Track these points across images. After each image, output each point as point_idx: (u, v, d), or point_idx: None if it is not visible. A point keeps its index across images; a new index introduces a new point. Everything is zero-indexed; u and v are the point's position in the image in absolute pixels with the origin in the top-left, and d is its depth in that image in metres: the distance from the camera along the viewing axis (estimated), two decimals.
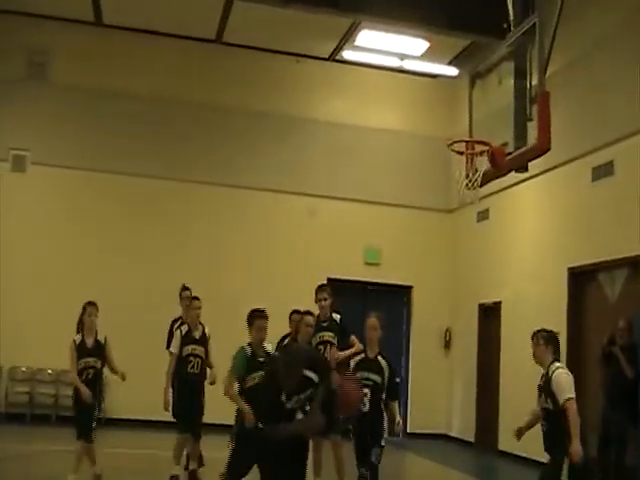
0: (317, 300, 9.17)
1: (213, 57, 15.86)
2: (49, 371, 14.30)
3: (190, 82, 15.66)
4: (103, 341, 8.86)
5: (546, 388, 6.59)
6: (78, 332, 8.79)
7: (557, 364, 6.70)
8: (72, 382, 8.77)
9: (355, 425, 7.39)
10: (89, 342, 8.75)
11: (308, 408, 6.10)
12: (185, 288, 10.23)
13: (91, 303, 8.86)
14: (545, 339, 6.85)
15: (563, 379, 6.53)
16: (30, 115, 14.91)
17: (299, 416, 6.11)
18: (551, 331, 6.97)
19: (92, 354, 8.73)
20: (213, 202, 15.57)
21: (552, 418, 6.51)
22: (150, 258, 15.03)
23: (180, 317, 10.12)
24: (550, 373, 6.62)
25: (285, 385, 6.03)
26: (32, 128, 14.90)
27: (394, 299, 16.63)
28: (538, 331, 6.96)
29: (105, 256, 14.82)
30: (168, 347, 9.79)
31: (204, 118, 15.67)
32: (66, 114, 14.98)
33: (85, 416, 8.59)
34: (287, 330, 9.28)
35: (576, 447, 6.23)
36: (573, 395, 6.43)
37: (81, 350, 8.67)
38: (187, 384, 9.34)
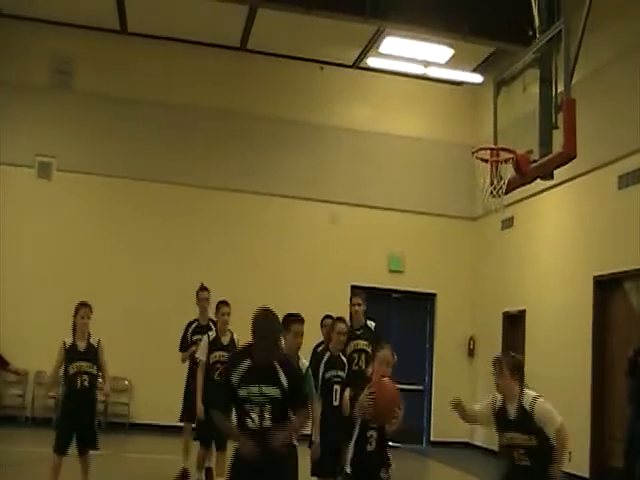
0: (352, 305, 8.94)
1: (237, 64, 15.91)
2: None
3: (213, 89, 15.72)
4: (96, 345, 8.28)
5: (526, 424, 5.79)
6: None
7: (530, 393, 5.89)
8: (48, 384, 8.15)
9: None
10: (81, 345, 8.19)
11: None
12: (203, 288, 10.09)
13: (84, 304, 8.31)
14: (510, 367, 5.96)
15: (548, 408, 5.79)
16: (55, 122, 15.03)
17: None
18: (514, 356, 6.15)
19: (85, 358, 8.14)
20: (235, 208, 15.59)
21: (539, 455, 5.76)
22: (172, 264, 15.07)
23: (196, 320, 9.99)
24: (528, 407, 5.81)
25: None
26: (57, 135, 15.01)
27: (417, 307, 16.60)
28: (500, 358, 6.11)
29: (127, 260, 14.92)
30: (182, 350, 9.70)
31: (227, 125, 15.72)
32: (90, 121, 15.08)
33: (87, 426, 8.10)
34: (314, 338, 9.06)
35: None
36: (562, 418, 5.76)
37: (72, 353, 8.13)
38: (213, 393, 8.80)
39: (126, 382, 14.24)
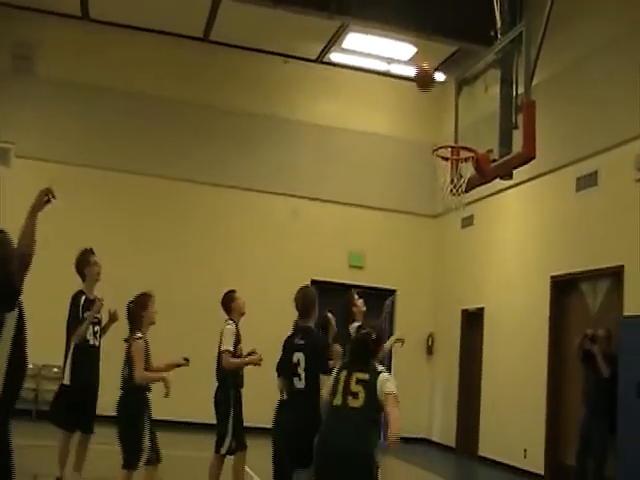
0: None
1: (200, 55, 15.77)
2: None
3: (176, 80, 15.55)
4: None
5: None
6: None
7: None
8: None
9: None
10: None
11: None
12: (91, 251, 9.33)
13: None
14: None
15: None
16: (15, 109, 14.72)
17: None
18: None
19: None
20: (194, 200, 15.46)
21: None
22: (132, 256, 14.90)
23: (82, 291, 8.88)
24: None
25: None
26: (17, 122, 14.71)
27: (377, 302, 16.60)
28: None
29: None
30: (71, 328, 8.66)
31: (189, 116, 15.56)
32: (52, 108, 14.84)
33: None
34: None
35: None
36: None
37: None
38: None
39: None
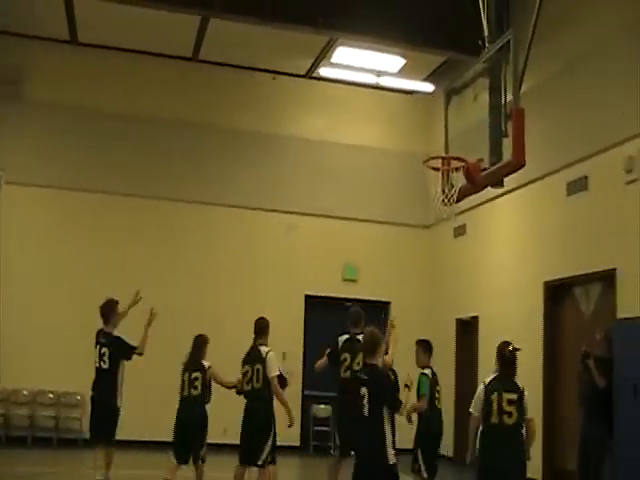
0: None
1: (190, 75, 15.86)
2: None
3: (165, 100, 15.63)
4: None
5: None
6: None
7: None
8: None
9: None
10: None
11: None
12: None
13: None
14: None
15: None
16: (4, 134, 14.76)
17: None
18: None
19: None
20: (189, 220, 15.53)
21: None
22: (126, 276, 14.88)
23: None
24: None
25: None
26: (6, 147, 14.74)
27: (372, 315, 16.52)
28: None
29: (77, 272, 14.73)
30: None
31: (180, 136, 15.63)
32: (41, 133, 14.92)
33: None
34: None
35: None
36: None
37: None
38: None
39: (78, 397, 14.04)
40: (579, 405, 10.24)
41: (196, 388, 9.10)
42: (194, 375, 9.13)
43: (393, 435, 6.73)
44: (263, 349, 8.82)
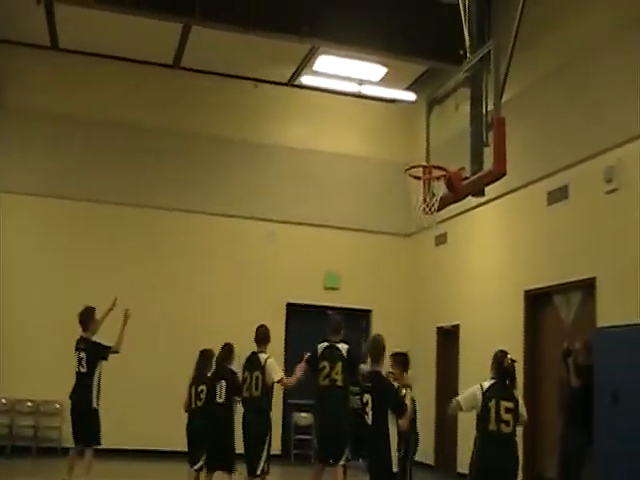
0: None
1: (171, 82, 15.82)
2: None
3: (148, 107, 15.58)
4: None
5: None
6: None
7: None
8: None
9: None
10: None
11: None
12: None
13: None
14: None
15: None
16: None
17: None
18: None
19: None
20: (170, 227, 15.46)
21: None
22: (107, 284, 14.81)
23: None
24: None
25: None
26: None
27: (353, 324, 16.58)
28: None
29: (57, 283, 14.64)
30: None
31: (162, 143, 15.59)
32: (20, 139, 14.78)
33: None
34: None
35: None
36: None
37: None
38: None
39: (57, 405, 13.91)
40: (559, 412, 10.30)
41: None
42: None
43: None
44: (262, 356, 8.89)
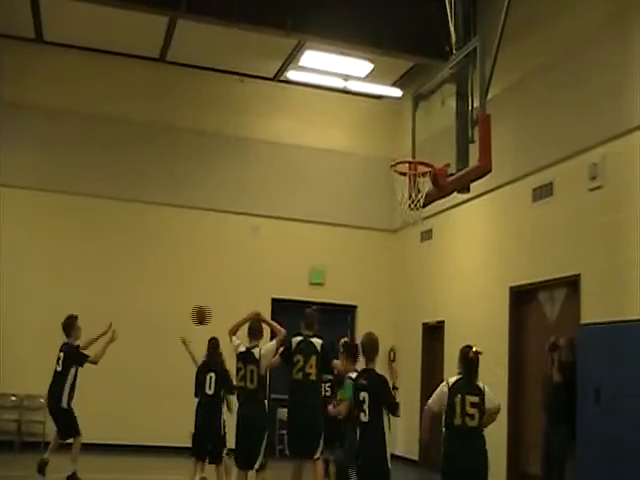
0: None
1: (157, 76, 15.75)
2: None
3: (133, 101, 15.49)
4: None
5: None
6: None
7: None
8: None
9: None
10: None
11: None
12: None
13: None
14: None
15: None
16: None
17: None
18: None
19: None
20: (155, 221, 15.43)
21: None
22: (91, 278, 14.81)
23: None
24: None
25: None
26: None
27: (339, 319, 16.62)
28: None
29: (41, 277, 14.58)
30: None
31: (147, 137, 15.53)
32: (6, 132, 14.67)
33: None
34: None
35: None
36: None
37: None
38: None
39: (41, 399, 13.80)
40: (542, 409, 10.35)
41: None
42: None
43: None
44: (255, 351, 8.91)
